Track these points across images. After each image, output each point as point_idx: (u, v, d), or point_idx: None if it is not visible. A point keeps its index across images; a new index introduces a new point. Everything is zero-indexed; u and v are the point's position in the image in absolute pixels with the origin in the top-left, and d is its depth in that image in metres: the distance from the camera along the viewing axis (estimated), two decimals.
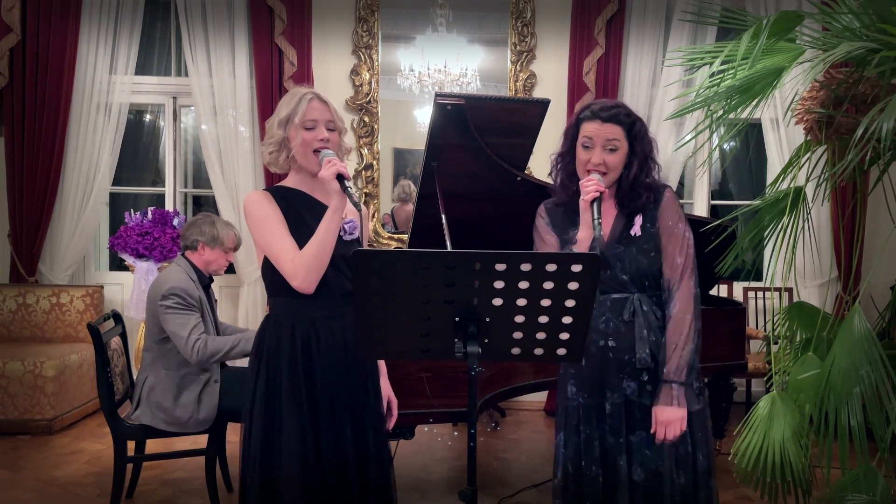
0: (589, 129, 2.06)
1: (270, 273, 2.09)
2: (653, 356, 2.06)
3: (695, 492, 2.08)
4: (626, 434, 2.07)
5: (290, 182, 2.15)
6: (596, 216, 1.96)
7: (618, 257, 2.08)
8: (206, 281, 3.26)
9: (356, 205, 1.95)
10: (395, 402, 2.27)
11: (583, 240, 2.02)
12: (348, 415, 2.07)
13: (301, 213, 2.07)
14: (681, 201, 2.19)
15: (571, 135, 2.12)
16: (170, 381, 3.10)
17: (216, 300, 3.41)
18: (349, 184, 1.95)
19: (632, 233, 2.09)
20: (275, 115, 2.11)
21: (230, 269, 5.08)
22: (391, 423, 2.24)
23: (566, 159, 2.14)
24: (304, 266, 1.99)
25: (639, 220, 2.10)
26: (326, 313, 2.07)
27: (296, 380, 2.06)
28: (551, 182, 2.24)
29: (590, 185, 1.99)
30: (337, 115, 2.11)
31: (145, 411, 3.10)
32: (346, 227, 2.12)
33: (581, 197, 2.01)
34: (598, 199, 1.98)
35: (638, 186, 2.08)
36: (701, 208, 5.12)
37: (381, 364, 2.26)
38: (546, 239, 2.18)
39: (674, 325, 2.04)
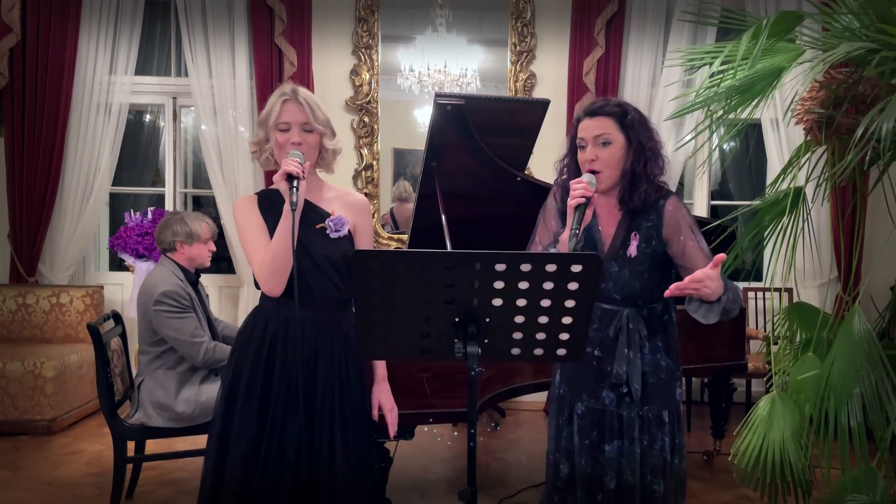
0: (581, 127, 2.03)
1: None
2: (628, 373, 2.04)
3: (672, 497, 2.09)
4: (601, 443, 2.07)
5: None
6: (575, 225, 1.86)
7: (612, 276, 2.05)
8: (193, 278, 3.27)
9: (292, 205, 1.90)
10: (388, 406, 2.22)
11: (563, 241, 1.93)
12: (302, 419, 2.03)
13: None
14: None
15: (571, 139, 2.10)
16: (168, 380, 3.11)
17: (206, 295, 3.42)
18: (297, 183, 1.92)
19: (627, 254, 2.04)
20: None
21: (230, 269, 5.11)
22: (391, 429, 2.20)
23: (571, 165, 2.10)
24: (264, 270, 2.01)
25: (635, 240, 2.03)
26: (302, 315, 2.03)
27: (254, 377, 2.06)
28: (552, 183, 2.22)
29: (577, 189, 1.89)
30: (316, 116, 2.06)
31: (148, 413, 3.10)
32: (330, 224, 2.09)
33: (568, 199, 1.91)
34: (582, 206, 1.88)
35: (636, 178, 2.00)
36: (701, 208, 5.12)
37: (381, 370, 2.24)
38: (549, 223, 2.13)
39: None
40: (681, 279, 1.83)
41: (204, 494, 2.10)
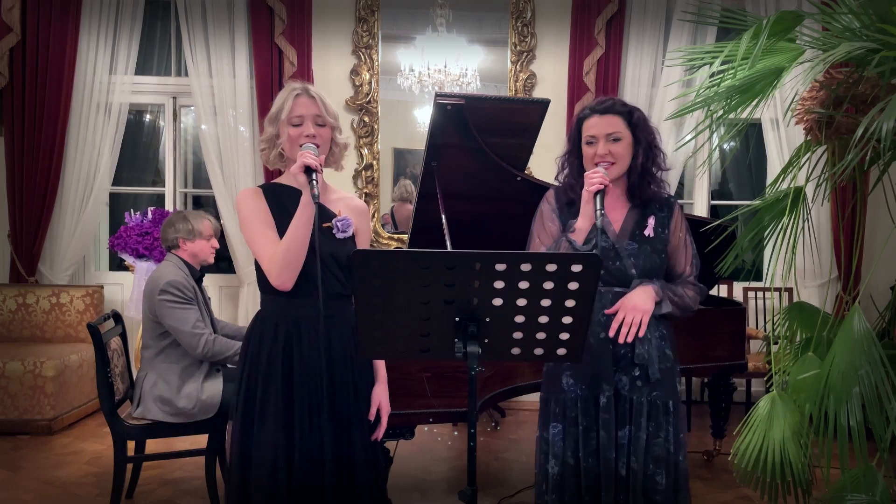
0: (590, 124, 2.12)
1: (259, 269, 2.08)
2: (648, 352, 2.10)
3: (675, 494, 2.11)
4: (617, 430, 2.10)
5: (284, 178, 2.15)
6: (599, 206, 1.99)
7: (630, 253, 2.13)
8: (197, 275, 3.29)
9: (314, 197, 1.89)
10: (385, 409, 2.19)
11: (580, 229, 2.06)
12: (328, 417, 2.03)
13: (290, 210, 2.04)
14: (681, 201, 2.30)
15: (574, 136, 2.17)
16: (171, 375, 3.12)
17: (209, 297, 3.42)
18: (315, 176, 1.92)
19: (645, 233, 2.14)
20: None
21: (230, 269, 5.11)
22: (379, 432, 2.16)
23: (571, 160, 2.19)
24: (278, 262, 1.99)
25: (652, 221, 2.15)
26: (312, 314, 2.02)
27: (273, 379, 2.05)
28: (552, 182, 2.26)
29: (594, 177, 2.02)
30: (328, 110, 2.08)
31: (149, 407, 3.10)
32: (338, 224, 2.08)
33: (585, 188, 2.04)
34: (601, 192, 2.01)
35: (646, 175, 2.14)
36: (701, 208, 5.12)
37: (381, 370, 2.23)
38: (547, 226, 2.20)
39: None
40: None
41: None
